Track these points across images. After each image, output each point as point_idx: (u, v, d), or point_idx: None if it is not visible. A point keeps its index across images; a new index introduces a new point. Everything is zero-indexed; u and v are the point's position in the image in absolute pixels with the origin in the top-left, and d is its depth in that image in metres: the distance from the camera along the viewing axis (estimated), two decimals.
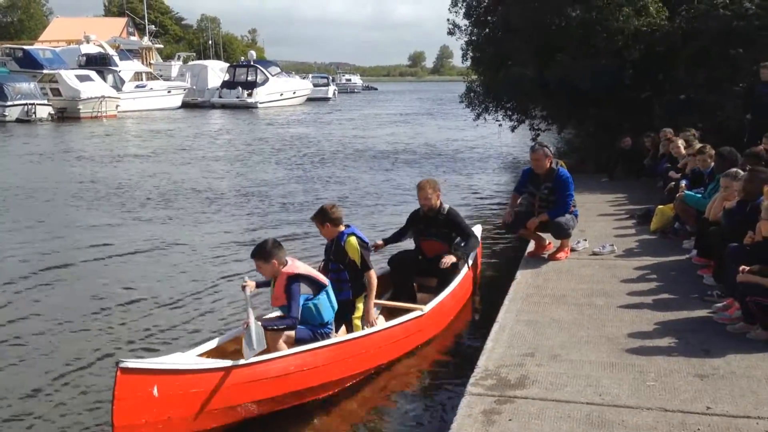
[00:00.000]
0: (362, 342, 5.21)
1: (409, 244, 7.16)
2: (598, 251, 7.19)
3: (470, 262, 7.00)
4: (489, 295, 7.24)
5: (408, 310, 5.83)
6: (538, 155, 7.04)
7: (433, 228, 6.78)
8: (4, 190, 14.65)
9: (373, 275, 5.72)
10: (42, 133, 30.11)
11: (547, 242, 7.29)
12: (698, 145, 8.48)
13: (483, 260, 8.32)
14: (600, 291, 5.98)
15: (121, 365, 3.93)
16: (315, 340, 5.07)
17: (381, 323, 5.64)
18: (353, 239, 5.69)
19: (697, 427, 3.61)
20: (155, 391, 4.00)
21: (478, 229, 8.00)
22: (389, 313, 6.00)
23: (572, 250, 7.26)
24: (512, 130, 17.73)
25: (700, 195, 7.25)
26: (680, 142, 9.51)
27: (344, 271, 5.71)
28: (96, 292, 7.58)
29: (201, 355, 4.72)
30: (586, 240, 7.51)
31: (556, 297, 5.89)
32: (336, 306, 5.34)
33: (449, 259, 6.53)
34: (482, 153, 21.04)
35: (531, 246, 7.49)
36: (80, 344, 6.13)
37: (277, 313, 5.23)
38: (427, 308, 5.88)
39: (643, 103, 13.20)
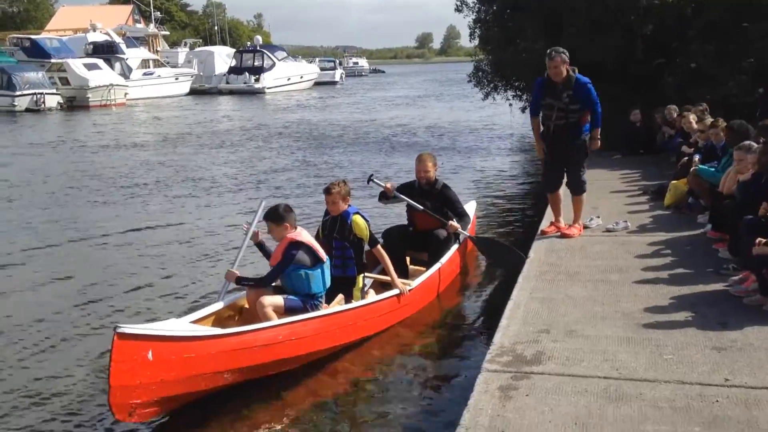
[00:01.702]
0: (349, 315, 5.45)
1: (401, 218, 7.31)
2: (611, 228, 7.16)
3: (461, 238, 7.11)
4: (502, 273, 7.26)
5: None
6: (556, 62, 6.58)
7: (427, 201, 6.92)
8: (16, 178, 14.75)
9: (381, 248, 5.99)
10: (52, 122, 30.23)
11: (563, 223, 7.21)
12: (710, 120, 8.42)
13: (496, 238, 8.36)
14: (614, 267, 5.95)
15: (118, 330, 4.11)
16: (305, 311, 5.26)
17: (371, 297, 5.90)
18: (359, 218, 5.88)
19: (716, 399, 3.60)
20: (150, 355, 4.19)
21: (472, 206, 8.09)
22: (380, 286, 6.23)
23: (585, 227, 7.22)
24: (522, 111, 17.59)
25: (713, 169, 7.20)
26: (692, 117, 9.43)
27: (350, 248, 5.88)
28: (99, 267, 8.10)
29: (195, 321, 4.96)
30: (599, 217, 7.47)
31: (570, 274, 5.87)
32: (329, 283, 5.53)
33: (455, 227, 6.83)
34: (491, 134, 20.94)
35: (544, 224, 7.46)
36: (83, 312, 6.60)
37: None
38: (414, 284, 6.15)
39: (654, 78, 13.05)
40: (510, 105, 17.76)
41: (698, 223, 7.12)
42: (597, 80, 6.82)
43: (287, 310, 5.18)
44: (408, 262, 6.89)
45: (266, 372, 4.89)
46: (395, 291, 5.95)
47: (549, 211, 7.54)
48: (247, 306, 5.44)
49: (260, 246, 5.68)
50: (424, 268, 6.65)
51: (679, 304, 4.99)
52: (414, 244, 7.00)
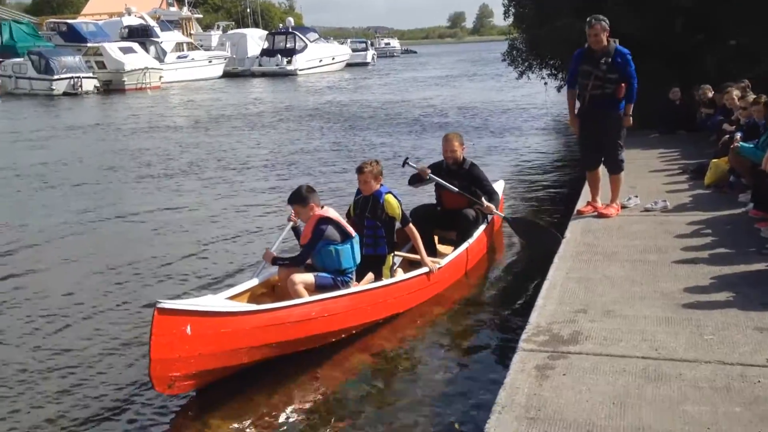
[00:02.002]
0: (380, 292, 5.55)
1: (430, 198, 7.35)
2: (650, 207, 7.04)
3: (489, 218, 7.13)
4: (531, 252, 7.23)
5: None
6: (596, 29, 6.46)
7: (455, 181, 6.90)
8: (54, 160, 15.05)
9: (413, 227, 6.04)
10: (89, 106, 30.72)
11: (600, 203, 7.11)
12: (752, 96, 8.20)
13: (530, 218, 8.33)
14: (653, 247, 5.86)
15: (159, 306, 4.23)
16: (335, 287, 5.36)
17: (399, 275, 5.93)
18: (391, 197, 5.96)
19: (758, 379, 3.54)
20: (188, 330, 4.32)
21: (500, 185, 8.06)
22: (409, 264, 6.28)
23: (623, 207, 7.11)
24: (558, 90, 17.31)
25: (755, 146, 7.01)
26: (735, 93, 9.19)
27: (381, 227, 5.95)
28: (134, 246, 8.33)
29: (230, 297, 5.08)
30: (637, 196, 7.35)
31: (607, 254, 5.80)
32: (359, 259, 5.61)
33: (491, 208, 6.93)
34: (525, 113, 20.68)
35: (580, 203, 7.37)
36: (120, 289, 6.80)
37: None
38: (443, 262, 6.20)
39: (694, 54, 12.73)
40: (545, 84, 17.52)
41: (739, 202, 6.96)
42: (634, 56, 6.67)
43: (318, 287, 5.29)
44: (436, 241, 6.91)
45: (299, 348, 5.00)
46: (425, 269, 5.98)
47: (586, 190, 7.44)
48: (279, 284, 5.54)
49: (296, 230, 5.77)
50: (452, 247, 6.68)
51: (719, 284, 4.89)
52: (442, 223, 7.03)
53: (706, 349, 3.93)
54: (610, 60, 6.49)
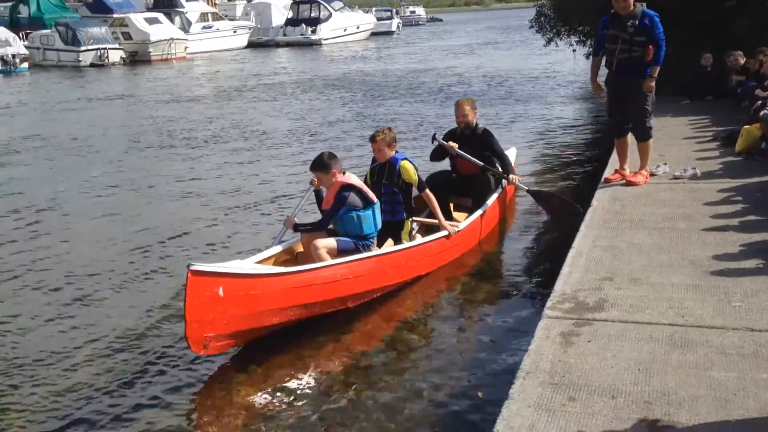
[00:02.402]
0: (402, 255, 5.66)
1: (445, 164, 7.36)
2: (679, 175, 6.93)
3: (503, 183, 7.12)
4: (549, 218, 7.19)
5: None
6: None
7: (468, 146, 6.85)
8: (81, 131, 15.23)
9: (429, 192, 6.09)
10: (115, 77, 30.91)
11: (628, 171, 7.00)
12: None
13: (559, 189, 8.30)
14: (682, 215, 5.79)
15: (192, 268, 4.33)
16: (357, 251, 5.43)
17: (418, 239, 6.02)
18: (407, 163, 6.02)
19: None
20: (221, 291, 4.43)
21: (513, 152, 8.01)
22: (426, 229, 6.32)
23: (652, 174, 7.00)
24: (586, 57, 16.95)
25: None
26: None
27: (398, 194, 6.00)
28: (159, 215, 8.48)
29: (258, 262, 5.20)
30: (666, 164, 7.23)
31: (634, 222, 5.74)
32: (380, 225, 5.67)
33: (514, 179, 7.02)
34: (552, 82, 20.36)
35: (608, 171, 7.28)
36: (150, 256, 6.95)
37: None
38: (462, 225, 6.27)
39: (725, 20, 12.39)
40: (573, 51, 17.22)
41: None
42: (664, 21, 6.51)
43: (340, 252, 5.36)
44: (451, 208, 6.96)
45: (325, 310, 5.13)
46: (444, 233, 6.04)
47: (614, 158, 7.34)
48: (302, 249, 5.64)
49: (318, 193, 5.80)
50: (467, 214, 6.73)
51: (749, 251, 4.83)
52: (457, 189, 7.06)
53: (734, 316, 3.90)
54: (637, 22, 6.36)
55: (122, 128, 15.63)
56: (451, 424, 3.92)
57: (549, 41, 17.06)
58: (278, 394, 4.37)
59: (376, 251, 5.58)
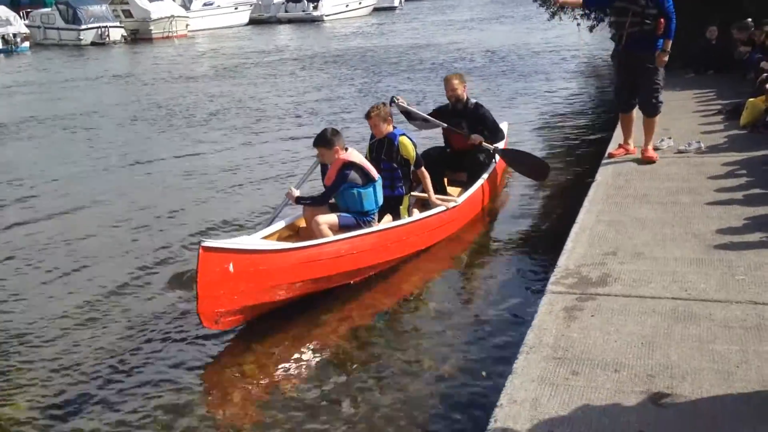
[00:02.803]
0: (404, 229, 5.75)
1: (438, 140, 7.42)
2: (683, 149, 6.89)
3: (497, 157, 7.11)
4: (567, 196, 7.15)
5: (441, 202, 6.23)
6: None
7: (462, 121, 6.95)
8: (83, 110, 15.20)
9: (425, 170, 6.16)
10: (116, 55, 30.75)
11: (632, 146, 6.96)
12: None
13: (561, 163, 8.27)
14: (686, 189, 5.77)
15: (203, 244, 4.41)
16: (358, 227, 5.49)
17: (416, 215, 6.06)
18: (406, 139, 6.05)
19: None
20: (231, 267, 4.50)
21: (504, 126, 8.06)
22: (422, 205, 6.35)
23: (656, 148, 6.96)
24: (590, 30, 16.80)
25: None
26: None
27: (397, 169, 6.04)
28: (160, 193, 8.52)
29: (262, 238, 5.28)
30: (671, 138, 7.19)
31: (638, 196, 5.72)
32: (381, 201, 5.73)
33: (477, 138, 6.86)
34: (555, 56, 20.14)
35: (611, 146, 7.24)
36: (152, 234, 6.97)
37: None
38: (460, 199, 6.33)
39: None
40: (578, 24, 17.06)
41: None
42: None
43: (341, 227, 5.43)
44: (446, 183, 7.01)
45: (330, 284, 5.22)
46: (442, 207, 6.12)
47: (618, 132, 7.30)
48: (304, 225, 5.70)
49: (324, 166, 5.81)
50: (461, 189, 6.79)
51: (753, 225, 4.82)
52: (452, 164, 7.10)
53: (737, 289, 3.90)
54: None
55: (123, 107, 15.58)
56: (455, 398, 3.94)
57: (553, 15, 16.90)
58: (281, 371, 4.43)
59: (377, 226, 5.63)
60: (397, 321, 5.01)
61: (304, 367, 4.46)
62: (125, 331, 4.95)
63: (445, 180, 7.01)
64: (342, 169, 5.48)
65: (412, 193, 6.38)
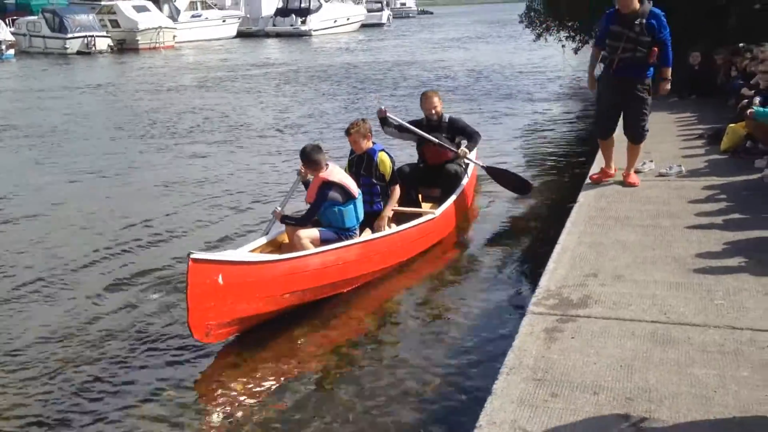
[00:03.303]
0: (385, 241, 5.88)
1: (413, 158, 7.62)
2: (664, 172, 6.96)
3: (469, 172, 7.40)
4: (550, 217, 7.19)
5: (418, 215, 6.44)
6: None
7: (436, 134, 7.12)
8: (65, 119, 15.11)
9: (398, 189, 6.28)
10: (102, 65, 30.65)
11: (613, 169, 6.99)
12: None
13: (544, 185, 8.34)
14: (666, 212, 5.82)
15: (192, 256, 4.41)
16: (339, 241, 5.58)
17: (395, 228, 6.17)
18: (384, 155, 6.21)
19: (767, 344, 3.54)
20: (220, 279, 4.53)
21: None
22: (397, 220, 6.46)
23: (637, 171, 7.02)
24: (575, 52, 16.95)
25: None
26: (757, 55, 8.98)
27: (377, 185, 6.18)
28: (143, 206, 8.31)
29: (251, 251, 5.37)
30: (652, 161, 7.26)
31: (620, 219, 5.76)
32: (361, 216, 5.86)
33: (465, 152, 7.10)
34: (539, 77, 20.35)
35: (593, 170, 7.29)
36: (136, 246, 6.91)
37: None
38: (438, 212, 6.49)
39: (715, 17, 12.43)
40: (563, 46, 17.20)
41: (756, 167, 6.86)
42: None
43: (322, 241, 5.52)
44: (420, 199, 7.14)
45: (316, 296, 5.31)
46: (429, 216, 6.34)
47: (599, 156, 7.34)
48: (287, 241, 5.76)
49: (306, 183, 5.95)
50: (435, 204, 6.93)
51: (733, 249, 4.86)
52: (425, 180, 7.22)
53: (716, 313, 3.93)
54: (644, 21, 6.16)
55: (106, 117, 15.52)
56: (435, 418, 3.93)
57: (538, 36, 17.10)
58: (266, 384, 4.42)
59: (361, 237, 5.76)
60: (377, 339, 5.00)
61: (284, 382, 4.44)
62: (110, 345, 4.90)
63: (420, 196, 7.15)
64: (321, 189, 5.59)
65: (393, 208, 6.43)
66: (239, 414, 4.11)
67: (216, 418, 4.14)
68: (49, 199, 8.78)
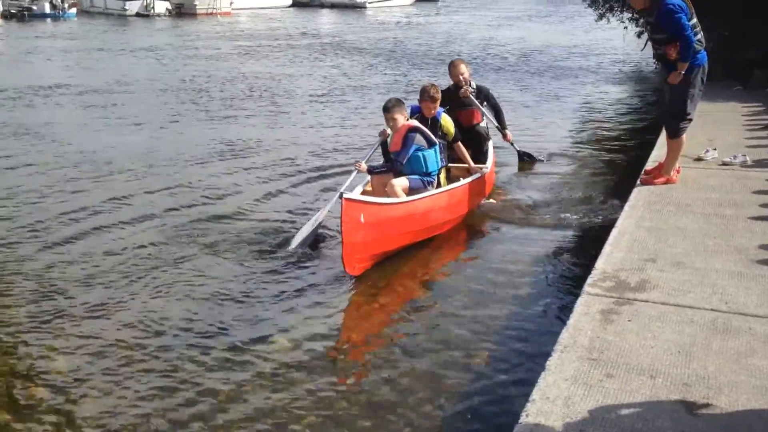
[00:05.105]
0: (462, 189, 6.56)
1: None
2: (728, 161, 6.78)
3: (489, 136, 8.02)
4: (607, 200, 7.08)
5: (469, 170, 7.01)
6: None
7: (467, 99, 7.69)
8: (121, 82, 15.47)
9: (461, 143, 6.94)
10: (159, 28, 31.09)
11: (672, 174, 6.28)
12: None
13: (601, 168, 8.26)
14: (729, 201, 5.68)
15: (345, 196, 5.04)
16: (424, 188, 6.12)
17: (463, 180, 6.73)
18: (446, 117, 6.78)
19: None
20: (362, 218, 5.14)
21: None
22: (448, 176, 6.90)
23: (699, 159, 6.85)
24: (638, 36, 16.48)
25: None
26: None
27: (440, 143, 6.56)
28: (202, 177, 8.23)
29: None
30: (715, 149, 7.06)
31: (680, 206, 5.64)
32: (441, 163, 6.37)
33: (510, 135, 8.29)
34: (600, 59, 19.90)
35: (649, 164, 7.01)
36: (196, 216, 6.84)
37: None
38: (487, 166, 7.16)
39: None
40: (625, 28, 16.75)
41: None
42: (716, 3, 5.98)
43: (411, 189, 6.03)
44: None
45: (427, 234, 6.01)
46: (477, 174, 6.87)
47: (657, 151, 7.12)
48: (370, 190, 6.30)
49: (384, 145, 6.40)
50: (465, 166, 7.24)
51: None
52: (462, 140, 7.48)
53: None
54: (652, 20, 5.80)
55: (160, 81, 15.75)
56: (487, 392, 3.95)
57: (601, 16, 16.66)
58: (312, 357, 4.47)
59: (450, 186, 6.40)
60: (429, 311, 5.02)
61: (336, 353, 4.52)
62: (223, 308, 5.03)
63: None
64: (408, 133, 6.03)
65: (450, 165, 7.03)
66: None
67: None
68: (107, 167, 8.63)
